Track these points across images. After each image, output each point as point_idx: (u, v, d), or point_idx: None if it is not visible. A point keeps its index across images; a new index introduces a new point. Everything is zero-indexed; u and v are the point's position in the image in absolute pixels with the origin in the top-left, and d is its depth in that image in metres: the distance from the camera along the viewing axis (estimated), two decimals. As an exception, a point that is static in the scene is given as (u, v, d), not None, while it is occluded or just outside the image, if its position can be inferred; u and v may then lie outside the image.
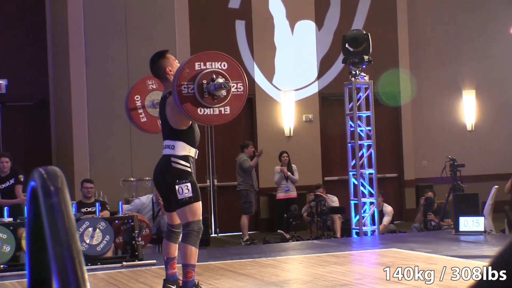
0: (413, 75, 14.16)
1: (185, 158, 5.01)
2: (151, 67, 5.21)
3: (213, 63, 4.85)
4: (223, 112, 4.88)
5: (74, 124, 11.37)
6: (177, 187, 4.94)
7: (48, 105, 12.43)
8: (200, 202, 5.06)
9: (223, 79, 4.81)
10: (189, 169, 5.02)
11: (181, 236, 5.18)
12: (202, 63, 4.81)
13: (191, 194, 4.96)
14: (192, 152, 5.05)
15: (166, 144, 5.07)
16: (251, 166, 11.38)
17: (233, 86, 4.88)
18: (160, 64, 5.13)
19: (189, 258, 4.98)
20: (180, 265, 5.13)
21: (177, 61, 5.24)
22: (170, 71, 5.08)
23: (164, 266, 5.42)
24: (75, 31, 11.40)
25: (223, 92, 4.81)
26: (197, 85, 4.76)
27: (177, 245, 5.29)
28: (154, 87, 5.87)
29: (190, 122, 5.05)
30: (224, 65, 4.88)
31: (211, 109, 4.84)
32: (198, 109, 4.80)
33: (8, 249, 7.12)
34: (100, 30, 11.59)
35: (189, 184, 4.95)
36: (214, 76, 4.80)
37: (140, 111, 5.85)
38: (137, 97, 5.87)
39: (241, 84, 4.94)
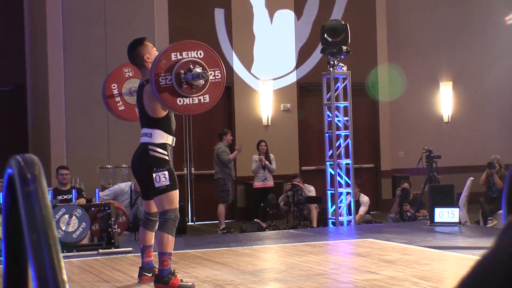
0: (390, 66, 14.21)
1: (163, 146, 5.01)
2: (128, 54, 5.19)
3: (189, 52, 4.83)
4: (202, 100, 4.88)
5: (51, 110, 11.29)
6: (154, 175, 4.94)
7: (25, 91, 12.32)
8: (177, 190, 5.06)
9: (201, 68, 4.79)
10: (166, 157, 5.01)
11: (157, 224, 5.18)
12: (178, 53, 4.79)
13: (168, 182, 4.96)
14: (169, 140, 5.05)
15: (144, 132, 5.07)
16: (229, 160, 11.41)
17: (211, 74, 4.87)
18: (138, 52, 5.11)
19: (165, 247, 4.98)
20: (156, 253, 5.13)
21: (155, 49, 5.22)
22: (148, 58, 5.06)
23: (140, 254, 5.42)
24: (53, 16, 11.29)
25: (201, 82, 4.80)
26: (174, 75, 4.75)
27: (153, 233, 5.29)
28: (130, 74, 5.84)
29: (167, 110, 5.04)
30: (200, 54, 4.86)
31: (190, 98, 4.83)
32: (178, 100, 4.80)
33: (-18, 236, 7.06)
34: (78, 16, 11.49)
35: (166, 172, 4.95)
36: (191, 65, 4.78)
37: (118, 99, 5.82)
38: (114, 85, 5.84)
39: (219, 71, 4.93)
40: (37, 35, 11.99)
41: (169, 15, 12.28)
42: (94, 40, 11.48)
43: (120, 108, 5.84)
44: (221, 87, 4.97)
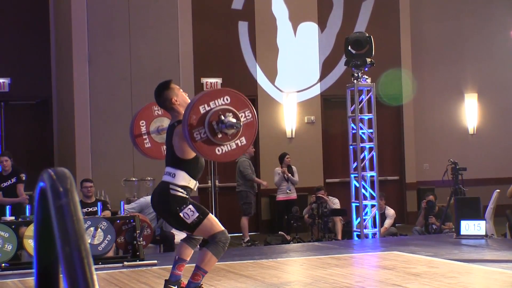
0: (414, 76, 14.15)
1: (184, 188, 4.97)
2: (156, 99, 5.19)
3: (216, 100, 4.80)
4: (239, 144, 4.85)
5: (77, 123, 11.38)
6: (181, 214, 4.92)
7: (51, 104, 12.44)
8: (210, 214, 5.04)
9: (231, 114, 4.77)
10: (187, 196, 5.00)
11: (199, 243, 5.26)
12: (205, 105, 4.76)
13: (197, 214, 4.94)
14: (191, 183, 5.00)
15: (167, 171, 5.03)
16: (253, 179, 11.51)
17: (242, 116, 4.85)
18: (165, 96, 5.10)
19: (205, 263, 4.98)
20: (185, 265, 5.15)
21: (181, 90, 5.23)
22: (176, 101, 5.06)
23: (172, 265, 5.38)
24: (79, 30, 11.40)
25: (234, 130, 4.79)
26: (207, 127, 4.72)
27: (193, 250, 5.29)
28: (159, 113, 5.86)
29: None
30: (227, 99, 4.84)
31: (228, 145, 4.82)
32: (216, 150, 4.78)
33: (10, 248, 7.13)
34: (103, 29, 11.60)
35: (191, 206, 4.93)
36: (221, 115, 4.76)
37: (145, 137, 5.86)
38: (142, 123, 5.87)
39: (249, 111, 4.90)
40: (62, 48, 12.12)
41: (193, 28, 12.34)
42: (119, 53, 11.58)
43: (146, 146, 5.87)
44: (255, 126, 4.94)
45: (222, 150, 4.80)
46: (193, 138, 4.72)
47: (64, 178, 1.14)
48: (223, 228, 5.04)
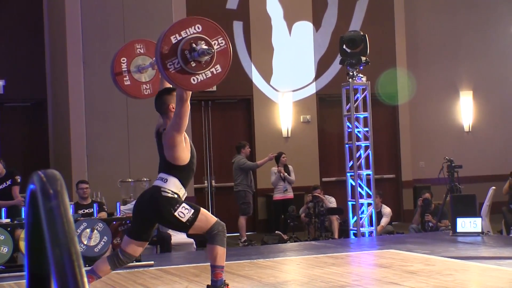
0: (410, 74, 14.17)
1: (174, 193, 4.98)
2: (155, 101, 5.16)
3: (187, 29, 4.71)
4: (215, 72, 4.77)
5: (72, 124, 11.36)
6: (176, 214, 4.90)
7: (46, 106, 12.42)
8: (202, 209, 5.04)
9: (203, 42, 4.71)
10: (178, 197, 4.98)
11: (122, 266, 5.19)
12: (177, 35, 4.69)
13: (192, 211, 4.94)
14: (181, 192, 4.99)
15: (160, 176, 5.01)
16: (257, 164, 11.48)
17: (215, 43, 4.74)
18: (164, 100, 5.07)
19: (218, 260, 4.98)
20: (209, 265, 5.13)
21: None
22: (173, 108, 5.04)
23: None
24: (73, 32, 11.38)
25: (208, 57, 4.72)
26: (180, 57, 4.66)
27: (110, 271, 5.18)
28: (142, 51, 5.82)
29: (189, 158, 5.00)
30: (198, 28, 4.74)
31: (203, 74, 4.73)
32: (191, 79, 4.71)
33: (5, 250, 7.11)
34: (97, 31, 11.58)
35: (184, 205, 4.93)
36: (193, 43, 4.70)
37: (125, 74, 5.81)
38: (123, 60, 5.83)
39: (222, 38, 4.80)
40: (57, 50, 12.10)
41: (188, 29, 12.32)
42: (113, 53, 11.53)
43: (126, 83, 5.83)
44: (229, 53, 4.84)
45: (197, 79, 4.72)
46: (167, 69, 4.64)
47: (54, 180, 1.14)
48: (216, 218, 5.06)
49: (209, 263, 5.13)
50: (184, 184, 5.02)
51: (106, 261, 5.14)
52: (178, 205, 4.90)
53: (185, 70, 4.66)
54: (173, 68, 4.66)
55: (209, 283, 5.09)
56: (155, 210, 4.96)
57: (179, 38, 4.69)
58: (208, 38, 4.71)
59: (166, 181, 4.95)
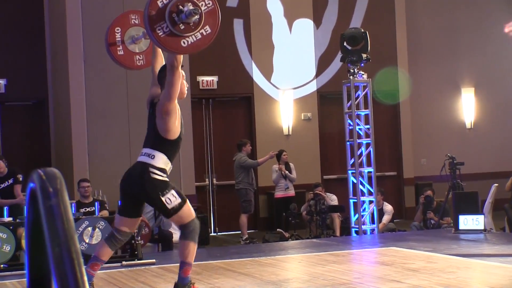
0: (410, 73, 14.15)
1: (163, 170, 4.96)
2: (159, 72, 5.16)
3: None
4: (204, 33, 4.76)
5: (73, 123, 11.36)
6: (163, 198, 4.89)
7: (47, 105, 12.42)
8: (188, 201, 5.05)
9: (190, 3, 4.70)
10: (166, 179, 4.97)
11: (120, 245, 5.25)
12: None
13: (179, 200, 4.94)
14: (168, 166, 4.99)
15: (145, 151, 4.99)
16: (258, 163, 11.49)
17: (202, 4, 4.73)
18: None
19: (190, 256, 4.99)
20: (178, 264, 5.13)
21: (185, 81, 5.20)
22: None
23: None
24: (74, 31, 11.38)
25: (196, 17, 4.71)
26: (168, 20, 4.66)
27: (112, 252, 5.23)
28: (136, 22, 5.81)
29: (179, 133, 4.99)
30: None
31: (193, 36, 4.72)
32: (181, 42, 4.70)
33: (8, 249, 7.12)
34: (98, 29, 11.54)
35: (173, 191, 4.93)
36: (180, 6, 4.69)
37: (119, 44, 5.80)
38: (117, 29, 5.82)
39: None
40: (58, 49, 12.09)
41: (189, 27, 12.31)
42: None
43: (119, 53, 5.82)
44: (217, 13, 4.82)
45: (187, 41, 4.71)
46: (156, 33, 4.65)
47: (53, 178, 1.13)
48: (194, 214, 5.06)
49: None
50: (171, 159, 5.02)
51: (104, 243, 5.18)
52: (167, 191, 4.90)
53: (174, 33, 4.66)
54: (162, 32, 4.65)
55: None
56: (143, 191, 4.95)
57: (165, 2, 4.68)
58: (195, 0, 4.70)
59: (154, 157, 4.94)
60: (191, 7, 4.65)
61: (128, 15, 5.85)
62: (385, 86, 13.57)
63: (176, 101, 4.92)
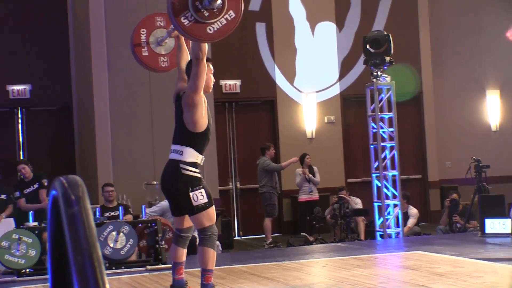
0: (434, 74, 14.04)
1: (193, 164, 4.97)
2: (188, 64, 5.16)
3: None
4: (229, 18, 4.74)
5: (97, 128, 11.42)
6: (191, 194, 4.90)
7: (71, 110, 12.50)
8: (214, 206, 5.05)
9: None
10: (199, 175, 4.99)
11: (188, 241, 5.22)
12: None
13: (206, 200, 4.94)
14: (199, 159, 5.01)
15: (174, 148, 5.03)
16: (281, 166, 11.48)
17: None
18: None
19: (210, 263, 4.99)
20: (197, 269, 5.13)
21: (212, 75, 5.20)
22: None
23: (171, 272, 5.38)
24: (97, 36, 11.44)
25: (219, 2, 4.69)
26: (192, 9, 4.64)
27: (185, 250, 5.28)
28: (162, 24, 5.83)
29: (207, 124, 4.99)
30: None
31: (218, 22, 4.71)
32: (207, 29, 4.69)
33: (33, 253, 7.16)
34: (122, 35, 11.61)
35: (203, 190, 4.94)
36: None
37: (144, 45, 5.82)
38: (143, 31, 5.84)
39: None
40: (81, 54, 12.18)
41: (211, 31, 12.32)
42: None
43: (143, 54, 5.84)
44: None
45: (213, 28, 4.69)
46: (182, 24, 4.63)
47: (75, 185, 1.12)
48: (215, 220, 5.07)
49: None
50: (201, 151, 5.04)
51: (175, 246, 5.24)
52: (197, 188, 4.92)
53: (199, 20, 4.64)
54: (188, 22, 4.64)
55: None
56: (175, 187, 4.99)
57: None
58: None
59: (182, 153, 4.97)
60: None
61: (153, 17, 5.89)
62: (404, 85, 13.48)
63: (202, 92, 4.93)
